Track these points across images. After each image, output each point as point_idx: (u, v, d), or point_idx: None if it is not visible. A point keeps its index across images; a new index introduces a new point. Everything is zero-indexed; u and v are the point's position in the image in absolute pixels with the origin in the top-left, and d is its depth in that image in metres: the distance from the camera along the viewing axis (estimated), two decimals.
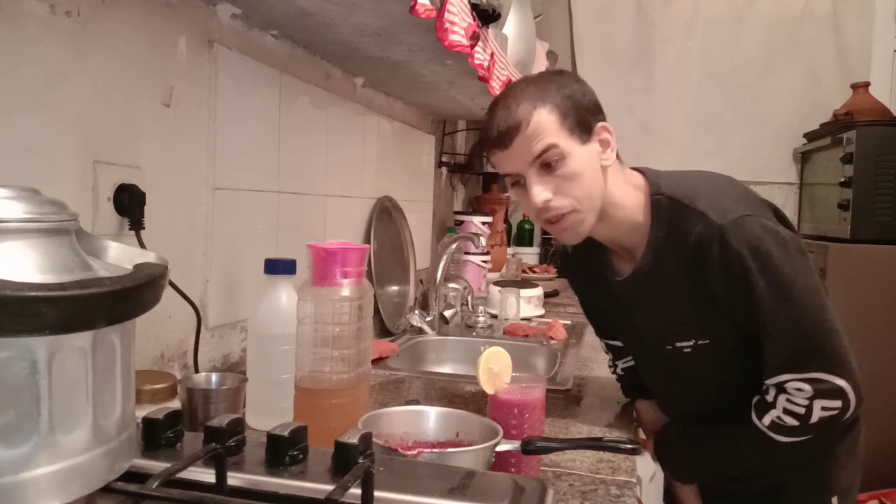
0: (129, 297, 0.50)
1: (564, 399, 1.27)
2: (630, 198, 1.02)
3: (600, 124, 1.00)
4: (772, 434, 0.96)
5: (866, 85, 2.78)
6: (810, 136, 2.96)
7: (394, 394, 1.27)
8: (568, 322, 2.06)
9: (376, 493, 0.58)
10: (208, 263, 1.16)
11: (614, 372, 1.29)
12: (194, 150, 1.12)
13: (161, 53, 1.03)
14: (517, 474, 0.85)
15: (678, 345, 1.04)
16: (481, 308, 2.01)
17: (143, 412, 0.68)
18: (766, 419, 0.96)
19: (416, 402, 1.16)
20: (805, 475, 1.09)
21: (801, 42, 3.10)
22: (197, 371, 1.09)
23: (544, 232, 3.36)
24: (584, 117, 0.98)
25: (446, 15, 1.10)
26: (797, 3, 3.11)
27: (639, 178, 1.05)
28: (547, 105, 0.96)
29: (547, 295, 2.38)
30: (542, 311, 2.21)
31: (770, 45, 3.11)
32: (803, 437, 0.96)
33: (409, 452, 0.76)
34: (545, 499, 0.63)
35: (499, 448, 0.82)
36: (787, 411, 0.94)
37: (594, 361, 1.60)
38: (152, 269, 0.53)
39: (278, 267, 1.03)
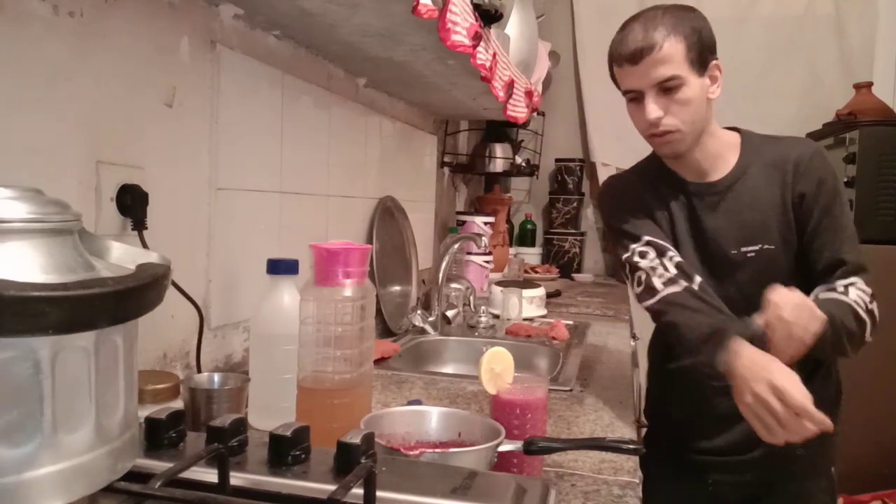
0: (132, 298, 0.50)
1: (567, 399, 1.27)
2: (723, 134, 1.23)
3: (714, 62, 1.15)
4: (858, 310, 1.09)
5: (869, 85, 2.77)
6: (813, 137, 2.95)
7: (396, 394, 1.27)
8: (570, 322, 2.06)
9: (378, 493, 0.58)
10: (211, 263, 1.16)
11: (687, 290, 1.13)
12: (197, 150, 1.12)
13: (163, 54, 1.03)
14: (519, 475, 0.84)
15: (744, 249, 1.18)
16: (483, 308, 2.01)
17: (145, 412, 0.68)
18: (852, 294, 1.10)
19: (419, 403, 1.16)
20: (811, 445, 1.05)
21: (803, 42, 3.10)
22: (199, 371, 1.09)
23: (546, 232, 3.36)
24: (704, 53, 1.13)
25: (448, 15, 1.10)
26: (799, 3, 3.10)
27: (730, 131, 1.25)
28: (679, 35, 1.10)
29: (549, 295, 2.38)
30: (544, 312, 2.21)
31: (772, 45, 3.10)
32: (869, 320, 1.10)
33: (411, 452, 0.76)
34: (547, 499, 0.63)
35: (501, 448, 0.82)
36: (857, 301, 1.10)
37: (597, 362, 1.60)
38: (155, 270, 0.53)
39: (280, 267, 1.03)
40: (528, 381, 0.94)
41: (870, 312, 1.12)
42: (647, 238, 1.19)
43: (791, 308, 1.00)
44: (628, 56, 1.11)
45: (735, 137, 1.24)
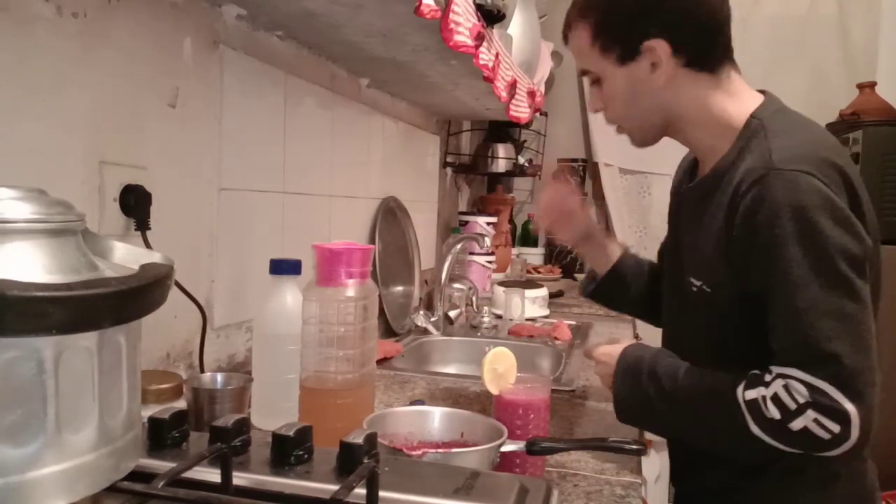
0: (135, 298, 0.50)
1: (569, 400, 1.27)
2: (713, 119, 0.94)
3: (649, 42, 0.91)
4: (746, 413, 0.81)
5: (872, 85, 2.76)
6: None
7: (398, 394, 1.27)
8: (573, 323, 2.06)
9: (381, 493, 0.58)
10: (214, 264, 1.16)
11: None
12: (200, 150, 1.12)
13: (167, 54, 1.04)
14: (522, 475, 0.84)
15: (690, 279, 0.95)
16: (486, 308, 2.01)
17: (148, 412, 0.68)
18: (750, 394, 0.81)
19: (421, 403, 1.16)
20: None
21: (806, 42, 3.09)
22: (202, 371, 1.09)
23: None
24: (623, 34, 0.92)
25: (451, 15, 1.10)
26: (803, 3, 3.09)
27: (753, 98, 0.96)
28: (583, 21, 0.95)
29: (552, 295, 2.38)
30: (546, 312, 2.20)
31: (775, 44, 3.10)
32: (774, 443, 0.80)
33: (413, 452, 0.76)
34: (550, 499, 0.63)
35: (503, 448, 0.82)
36: (775, 398, 0.79)
37: None
38: (158, 270, 0.53)
39: (283, 267, 1.03)
40: (530, 381, 0.94)
41: (776, 426, 0.79)
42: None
43: (600, 352, 1.02)
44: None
45: (740, 121, 0.93)
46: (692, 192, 1.00)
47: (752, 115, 0.93)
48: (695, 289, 0.94)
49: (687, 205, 1.02)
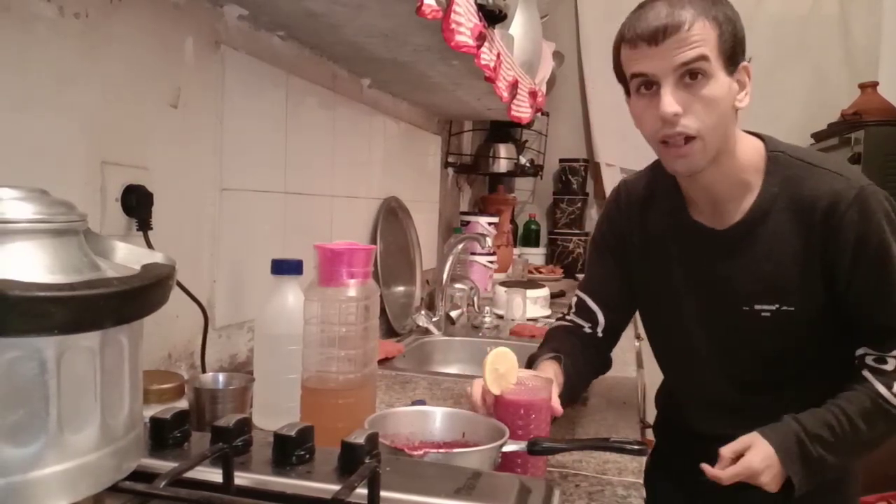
0: (137, 298, 0.50)
1: None
2: (745, 150, 1.00)
3: (745, 63, 0.96)
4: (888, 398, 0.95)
5: (874, 84, 2.76)
6: (818, 137, 2.95)
7: (400, 394, 1.27)
8: None
9: (382, 493, 0.58)
10: (215, 264, 1.16)
11: (565, 319, 1.20)
12: (202, 150, 1.12)
13: (168, 55, 1.04)
14: (523, 475, 0.84)
15: (757, 307, 1.00)
16: (487, 308, 2.01)
17: (150, 412, 0.68)
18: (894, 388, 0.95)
19: (423, 403, 1.16)
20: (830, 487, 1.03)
21: (808, 41, 3.09)
22: (204, 371, 1.09)
23: (550, 232, 3.35)
24: (737, 49, 0.94)
25: (452, 16, 1.10)
26: (805, 3, 3.09)
27: (753, 138, 1.03)
28: (711, 20, 0.91)
29: (553, 295, 2.38)
30: (548, 312, 2.20)
31: (777, 44, 3.09)
32: None
33: (415, 453, 0.77)
34: (551, 499, 0.63)
35: (505, 448, 0.82)
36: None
37: None
38: (160, 270, 0.53)
39: (285, 267, 1.04)
40: (531, 381, 0.94)
41: None
42: (584, 289, 1.20)
43: (749, 465, 0.93)
44: (648, 34, 0.91)
45: (759, 156, 1.01)
46: (732, 232, 1.02)
47: (770, 150, 1.01)
48: (767, 314, 1.00)
49: (727, 241, 1.03)
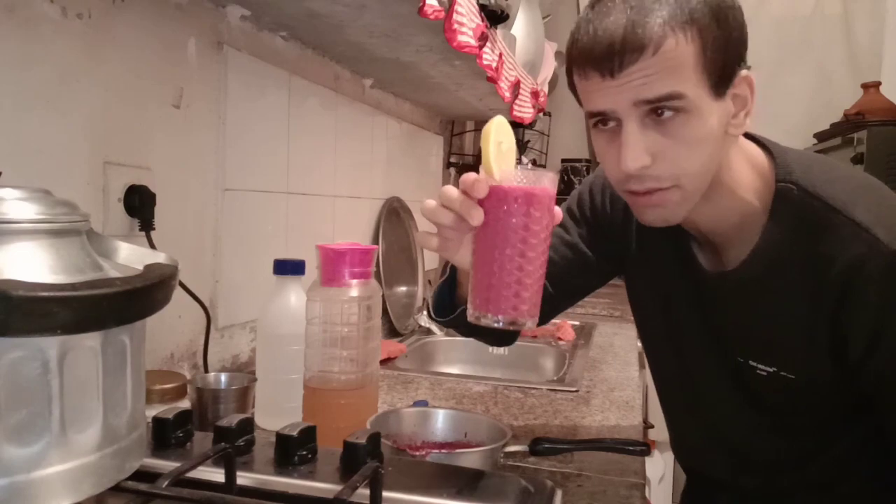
0: (140, 298, 0.50)
1: (573, 400, 1.27)
2: (745, 179, 0.78)
3: (742, 73, 0.72)
4: None
5: (877, 85, 2.75)
6: (820, 137, 2.94)
7: (402, 394, 1.27)
8: (576, 323, 2.05)
9: (384, 494, 0.58)
10: (218, 264, 1.16)
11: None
12: (204, 151, 1.12)
13: (171, 55, 1.04)
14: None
15: (752, 363, 0.83)
16: None
17: (153, 412, 0.68)
18: None
19: (425, 403, 1.16)
20: None
21: (811, 42, 3.08)
22: (206, 371, 1.09)
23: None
24: (729, 60, 0.70)
25: (455, 16, 1.10)
26: (808, 3, 3.09)
27: (757, 153, 0.80)
28: (690, 24, 0.67)
29: None
30: None
31: (780, 44, 3.09)
32: None
33: (417, 453, 0.77)
34: (553, 500, 0.63)
35: (507, 449, 0.82)
36: None
37: (603, 362, 1.59)
38: (162, 270, 0.53)
39: (287, 267, 1.04)
40: (531, 169, 0.69)
41: None
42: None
43: None
44: (599, 61, 0.68)
45: (764, 186, 0.78)
46: (725, 278, 0.83)
47: (779, 181, 0.77)
48: (764, 374, 0.83)
49: (712, 287, 0.86)
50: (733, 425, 0.92)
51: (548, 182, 0.68)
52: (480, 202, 0.67)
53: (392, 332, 1.78)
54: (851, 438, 0.87)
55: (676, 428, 1.07)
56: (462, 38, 1.14)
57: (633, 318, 1.06)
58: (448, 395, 1.28)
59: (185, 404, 0.88)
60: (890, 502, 0.87)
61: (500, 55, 1.39)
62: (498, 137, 0.68)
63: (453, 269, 0.86)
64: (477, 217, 0.67)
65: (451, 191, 0.69)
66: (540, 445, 0.84)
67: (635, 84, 0.68)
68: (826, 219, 0.74)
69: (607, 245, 0.98)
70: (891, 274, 0.70)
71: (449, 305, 0.88)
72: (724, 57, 0.69)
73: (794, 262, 0.76)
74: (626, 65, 0.67)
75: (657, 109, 0.69)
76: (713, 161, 0.73)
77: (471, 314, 0.69)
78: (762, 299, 0.80)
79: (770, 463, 0.91)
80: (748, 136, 0.82)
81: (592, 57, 0.69)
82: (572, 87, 0.77)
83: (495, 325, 0.67)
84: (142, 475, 0.56)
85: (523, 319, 0.68)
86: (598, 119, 0.74)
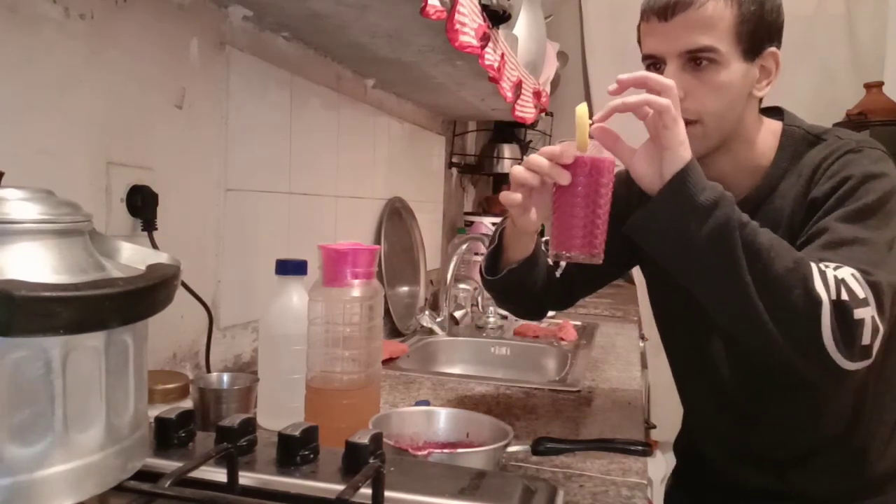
0: (142, 298, 0.50)
1: (575, 400, 1.27)
2: (762, 137, 0.96)
3: (771, 50, 0.92)
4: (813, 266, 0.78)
5: (880, 84, 2.75)
6: None
7: (404, 394, 1.27)
8: (578, 323, 2.05)
9: (387, 493, 0.58)
10: (220, 264, 1.16)
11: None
12: (206, 151, 1.13)
13: (173, 56, 1.04)
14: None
15: None
16: (491, 309, 2.01)
17: (155, 412, 0.69)
18: (830, 271, 0.78)
19: (427, 403, 1.16)
20: None
21: (814, 41, 3.08)
22: (209, 371, 1.09)
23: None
24: (761, 34, 0.90)
25: (457, 16, 1.10)
26: (810, 3, 3.08)
27: (775, 122, 0.98)
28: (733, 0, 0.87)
29: None
30: (552, 312, 2.20)
31: (783, 44, 3.09)
32: (823, 295, 0.76)
33: (419, 453, 0.77)
34: (555, 500, 0.63)
35: (509, 449, 0.82)
36: (834, 274, 0.77)
37: (605, 363, 1.59)
38: (165, 270, 0.53)
39: (289, 267, 1.04)
40: (596, 146, 0.86)
41: (837, 305, 0.75)
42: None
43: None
44: (659, 8, 0.89)
45: (774, 138, 0.97)
46: (742, 206, 0.87)
47: (787, 124, 0.97)
48: None
49: None
50: (742, 387, 1.02)
51: (609, 155, 0.86)
52: (565, 167, 0.84)
53: (394, 332, 1.78)
54: (851, 399, 0.96)
55: (688, 399, 1.15)
56: (464, 39, 1.14)
57: (645, 284, 1.16)
58: (450, 395, 1.28)
59: (187, 404, 0.88)
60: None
61: (502, 55, 1.39)
62: (586, 120, 0.85)
63: (500, 237, 1.03)
64: (565, 178, 0.84)
65: (538, 158, 0.85)
66: (542, 445, 0.84)
67: (679, 32, 0.88)
68: (815, 142, 0.94)
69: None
70: (847, 154, 0.89)
71: (494, 268, 1.04)
72: (757, 29, 0.89)
73: (793, 183, 0.92)
74: (676, 12, 0.88)
75: (696, 59, 0.88)
76: (733, 110, 0.91)
77: (552, 255, 0.88)
78: (767, 219, 0.88)
79: (775, 427, 0.99)
80: (770, 110, 1.00)
81: (654, 4, 0.90)
82: (639, 39, 0.96)
83: (578, 259, 0.86)
84: (144, 475, 0.56)
85: (596, 252, 0.86)
86: (651, 62, 0.93)
